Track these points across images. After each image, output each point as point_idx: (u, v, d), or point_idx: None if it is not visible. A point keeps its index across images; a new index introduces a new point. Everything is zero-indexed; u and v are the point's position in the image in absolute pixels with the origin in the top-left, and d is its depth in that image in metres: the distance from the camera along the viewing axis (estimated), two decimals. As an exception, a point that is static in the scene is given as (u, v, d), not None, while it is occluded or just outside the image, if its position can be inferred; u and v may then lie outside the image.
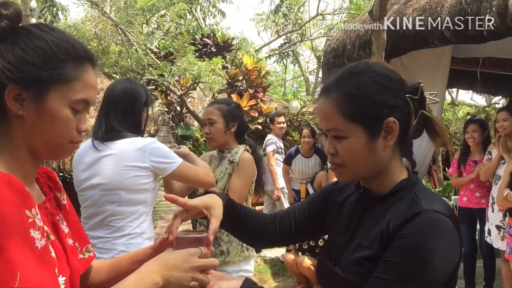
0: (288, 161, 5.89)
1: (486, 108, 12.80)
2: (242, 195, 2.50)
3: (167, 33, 10.75)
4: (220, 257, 2.53)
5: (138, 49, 8.56)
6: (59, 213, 1.05)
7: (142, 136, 2.13)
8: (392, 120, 1.07)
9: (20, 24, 0.94)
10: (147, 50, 8.59)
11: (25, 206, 0.83)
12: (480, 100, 15.29)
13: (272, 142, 6.10)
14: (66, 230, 1.04)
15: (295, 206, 1.40)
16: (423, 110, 1.12)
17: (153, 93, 8.51)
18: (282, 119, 6.34)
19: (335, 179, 4.32)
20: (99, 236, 2.04)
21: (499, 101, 13.65)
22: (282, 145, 6.35)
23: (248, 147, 2.60)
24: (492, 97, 13.42)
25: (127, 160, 2.01)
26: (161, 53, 8.92)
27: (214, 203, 1.19)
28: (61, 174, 10.91)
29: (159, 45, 9.64)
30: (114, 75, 9.89)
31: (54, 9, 14.17)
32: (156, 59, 8.44)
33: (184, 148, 2.37)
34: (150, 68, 8.38)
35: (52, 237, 0.92)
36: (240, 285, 1.09)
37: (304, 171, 5.86)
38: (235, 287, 1.09)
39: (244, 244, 2.55)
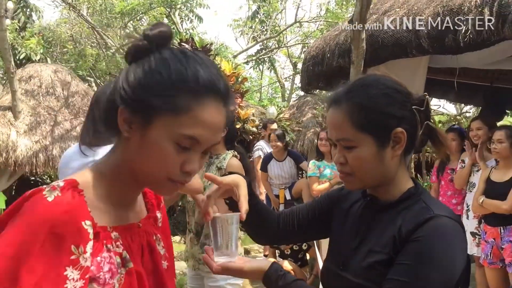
0: (263, 167, 5.95)
1: (457, 117, 13.12)
2: (222, 204, 2.49)
3: (144, 37, 10.65)
4: None
5: (115, 52, 8.47)
6: (156, 233, 1.00)
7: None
8: (400, 130, 1.11)
9: (166, 46, 0.87)
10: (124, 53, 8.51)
11: (73, 241, 0.78)
12: (451, 108, 15.68)
13: (259, 148, 6.34)
14: (163, 251, 1.00)
15: (299, 206, 1.44)
16: (428, 121, 1.17)
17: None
18: (275, 126, 6.70)
19: (316, 186, 4.36)
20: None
21: (470, 110, 14.03)
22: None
23: (236, 153, 2.59)
24: (463, 106, 13.78)
25: None
26: (139, 57, 8.86)
27: (241, 183, 1.24)
28: (33, 178, 10.70)
29: (136, 49, 9.56)
30: (89, 78, 9.76)
31: (28, 10, 13.88)
32: (133, 63, 8.37)
33: None
34: (128, 72, 8.30)
35: (130, 264, 0.88)
36: (267, 267, 1.17)
37: (280, 175, 5.92)
38: (262, 267, 1.18)
39: None
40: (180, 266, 6.04)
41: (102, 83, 8.13)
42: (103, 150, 2.01)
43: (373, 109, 1.11)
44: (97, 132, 2.05)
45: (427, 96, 1.18)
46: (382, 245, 1.10)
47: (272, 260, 1.36)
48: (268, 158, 6.02)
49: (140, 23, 11.69)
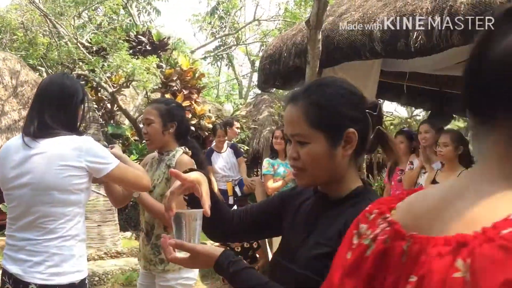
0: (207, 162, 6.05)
1: (408, 120, 13.54)
2: (180, 201, 2.46)
3: (99, 27, 10.41)
4: (159, 265, 2.48)
5: (68, 42, 8.21)
6: None
7: (78, 135, 2.06)
8: (352, 131, 1.16)
9: None
10: (78, 43, 8.26)
11: None
12: (402, 111, 16.16)
13: None
14: None
15: (253, 205, 1.48)
16: (379, 126, 1.22)
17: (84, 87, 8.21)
18: (238, 124, 7.06)
19: (270, 184, 4.38)
20: (29, 238, 1.94)
21: (420, 113, 14.52)
22: None
23: (187, 149, 2.54)
24: (414, 109, 14.24)
25: (61, 159, 1.93)
26: (93, 48, 8.62)
27: (202, 180, 1.27)
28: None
29: (91, 39, 9.31)
30: (40, 68, 9.42)
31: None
32: (87, 54, 8.14)
33: (117, 149, 2.24)
34: (81, 63, 8.07)
35: None
36: (219, 253, 1.17)
37: (224, 166, 6.13)
38: (214, 252, 1.17)
39: None
40: (130, 262, 5.95)
41: (53, 73, 7.87)
42: (48, 142, 1.95)
43: (328, 108, 1.16)
44: (42, 124, 1.99)
45: (380, 102, 1.23)
46: (327, 239, 1.14)
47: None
48: (209, 152, 6.25)
49: (96, 13, 11.39)
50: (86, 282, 2.05)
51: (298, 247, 1.21)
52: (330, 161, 1.17)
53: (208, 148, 6.51)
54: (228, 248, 5.14)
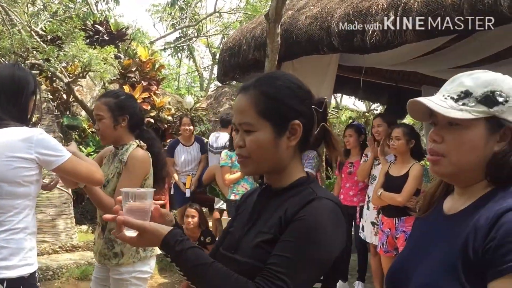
0: (169, 153, 5.96)
1: (366, 114, 13.85)
2: None
3: (55, 15, 10.08)
4: (114, 259, 2.45)
5: (21, 30, 7.91)
6: None
7: (29, 126, 2.01)
8: (297, 123, 1.21)
9: None
10: (31, 32, 7.98)
11: None
12: (361, 106, 16.49)
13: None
14: None
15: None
16: (324, 123, 1.28)
17: (36, 78, 7.93)
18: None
19: (228, 176, 4.37)
20: (-25, 231, 1.88)
21: (377, 108, 14.86)
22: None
23: (141, 142, 2.48)
24: (372, 103, 14.55)
25: (11, 150, 1.88)
26: (48, 36, 8.35)
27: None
28: None
29: (45, 27, 9.01)
30: (-9, 56, 9.06)
31: None
32: (41, 43, 7.88)
33: (73, 147, 2.18)
34: (35, 52, 7.79)
35: None
36: (167, 231, 1.15)
37: (187, 160, 6.04)
38: (162, 231, 1.15)
39: None
40: (86, 256, 5.85)
41: (6, 62, 7.58)
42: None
43: (276, 99, 1.21)
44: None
45: (326, 100, 1.30)
46: (269, 227, 1.18)
47: None
48: (175, 143, 6.15)
49: (51, 1, 11.02)
50: (36, 275, 2.01)
51: (242, 237, 1.24)
52: (274, 150, 1.21)
53: (174, 139, 6.41)
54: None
